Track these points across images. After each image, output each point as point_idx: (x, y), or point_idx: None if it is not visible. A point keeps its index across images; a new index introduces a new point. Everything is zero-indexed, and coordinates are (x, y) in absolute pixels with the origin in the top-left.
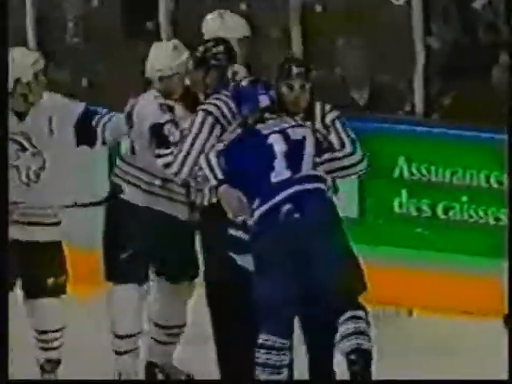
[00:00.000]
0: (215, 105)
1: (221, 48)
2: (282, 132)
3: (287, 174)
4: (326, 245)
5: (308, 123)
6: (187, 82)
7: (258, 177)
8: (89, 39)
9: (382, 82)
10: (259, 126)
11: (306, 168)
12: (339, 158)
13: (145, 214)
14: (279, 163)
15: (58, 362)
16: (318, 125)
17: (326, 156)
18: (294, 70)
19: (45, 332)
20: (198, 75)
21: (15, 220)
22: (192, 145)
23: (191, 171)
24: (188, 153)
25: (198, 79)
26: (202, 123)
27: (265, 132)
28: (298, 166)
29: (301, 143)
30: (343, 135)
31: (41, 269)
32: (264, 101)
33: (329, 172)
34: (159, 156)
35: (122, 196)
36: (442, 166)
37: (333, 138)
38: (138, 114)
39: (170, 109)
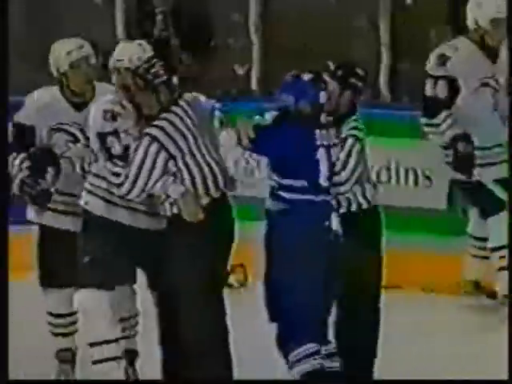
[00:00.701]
0: (161, 128)
1: (157, 65)
2: (328, 149)
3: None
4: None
5: (337, 141)
6: (143, 107)
7: (302, 175)
8: (177, 32)
9: None
10: (317, 132)
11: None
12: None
13: (106, 224)
14: (322, 179)
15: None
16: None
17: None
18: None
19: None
20: (150, 96)
21: (63, 210)
22: (140, 170)
23: (140, 195)
24: (136, 178)
25: (150, 100)
26: (147, 150)
27: (318, 142)
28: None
29: (334, 165)
30: (343, 155)
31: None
32: (322, 98)
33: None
34: (112, 173)
35: (86, 207)
36: None
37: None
38: (91, 118)
39: (114, 117)
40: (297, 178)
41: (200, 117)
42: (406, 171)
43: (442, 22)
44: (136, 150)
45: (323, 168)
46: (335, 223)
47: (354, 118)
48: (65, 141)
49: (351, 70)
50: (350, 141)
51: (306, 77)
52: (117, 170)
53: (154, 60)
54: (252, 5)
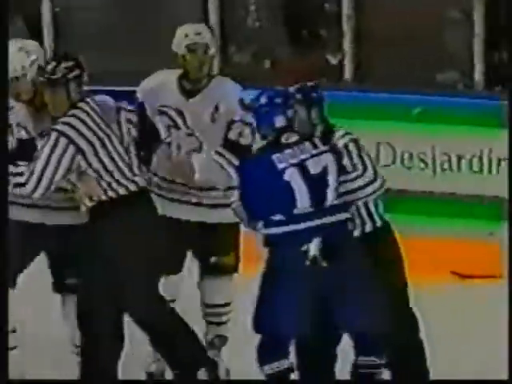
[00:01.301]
0: (68, 124)
1: (67, 61)
2: (300, 165)
3: (310, 209)
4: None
5: (326, 147)
6: (49, 104)
7: (279, 207)
8: (270, 22)
9: None
10: (274, 157)
11: (331, 198)
12: (351, 180)
13: (33, 229)
14: (301, 200)
15: (225, 339)
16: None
17: (341, 178)
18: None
19: (212, 306)
20: (62, 94)
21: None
22: (45, 166)
23: (46, 192)
24: (42, 174)
25: (62, 98)
26: (55, 145)
27: (280, 166)
28: (323, 198)
29: (323, 174)
30: (355, 157)
31: (208, 248)
32: (279, 122)
33: (342, 194)
34: (14, 174)
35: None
36: None
37: (346, 161)
38: None
39: None
40: (270, 213)
41: (106, 113)
42: (493, 160)
43: None
44: (43, 146)
45: (298, 184)
46: (313, 248)
47: (336, 127)
48: (167, 125)
49: (308, 86)
50: (351, 145)
51: (263, 100)
52: (19, 169)
53: (61, 58)
54: None
